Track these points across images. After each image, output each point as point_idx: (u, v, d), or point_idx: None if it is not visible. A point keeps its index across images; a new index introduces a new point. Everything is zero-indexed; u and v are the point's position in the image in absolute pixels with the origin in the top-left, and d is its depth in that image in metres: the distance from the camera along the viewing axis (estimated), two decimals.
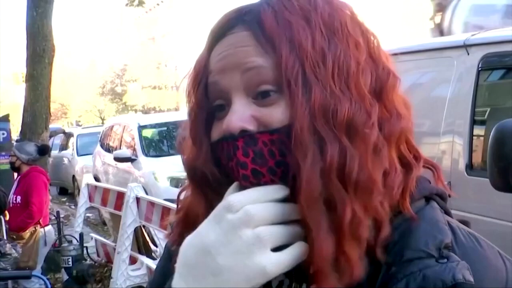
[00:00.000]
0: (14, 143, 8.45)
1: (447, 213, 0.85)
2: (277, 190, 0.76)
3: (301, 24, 0.79)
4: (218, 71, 0.81)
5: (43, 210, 5.84)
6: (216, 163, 0.82)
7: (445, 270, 0.73)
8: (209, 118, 0.84)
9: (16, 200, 5.83)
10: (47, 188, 5.97)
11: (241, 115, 0.78)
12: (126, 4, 13.71)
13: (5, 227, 5.95)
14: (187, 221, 0.85)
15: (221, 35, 0.83)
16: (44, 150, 6.24)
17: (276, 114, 0.77)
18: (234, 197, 0.74)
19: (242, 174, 0.77)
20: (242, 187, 0.78)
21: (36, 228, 5.81)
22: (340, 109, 0.75)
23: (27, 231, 5.77)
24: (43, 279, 4.58)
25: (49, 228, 6.06)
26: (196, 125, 0.85)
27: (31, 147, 6.10)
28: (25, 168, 5.93)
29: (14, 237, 5.89)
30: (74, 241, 6.24)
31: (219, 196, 0.79)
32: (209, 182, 0.83)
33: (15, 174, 9.23)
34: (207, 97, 0.84)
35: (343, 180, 0.74)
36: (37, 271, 5.70)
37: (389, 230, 0.77)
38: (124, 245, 5.54)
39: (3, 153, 9.13)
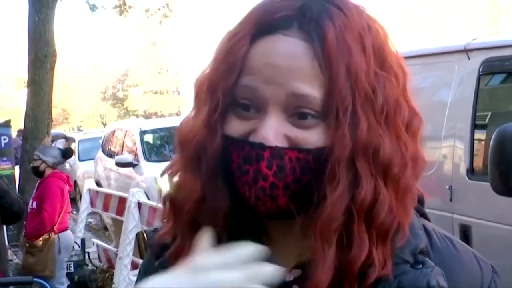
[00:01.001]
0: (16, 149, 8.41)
1: (423, 216, 0.84)
2: (247, 253, 0.67)
3: (358, 50, 0.74)
4: (262, 79, 0.75)
5: (56, 217, 5.65)
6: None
7: (419, 276, 0.74)
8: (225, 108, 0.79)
9: (32, 205, 5.72)
10: (64, 193, 5.79)
11: (276, 133, 0.74)
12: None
13: (7, 233, 5.90)
14: (177, 208, 0.81)
15: (272, 28, 0.76)
16: (68, 154, 6.21)
17: (312, 139, 0.74)
18: (201, 260, 0.68)
19: (261, 186, 0.74)
20: (252, 199, 0.75)
21: (50, 235, 5.63)
22: (382, 148, 0.73)
23: (40, 239, 5.60)
24: (44, 285, 4.57)
25: (65, 233, 5.86)
26: (215, 113, 0.78)
27: (55, 151, 6.08)
28: (49, 172, 5.78)
29: (28, 245, 5.71)
30: (76, 247, 6.24)
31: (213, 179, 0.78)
32: (214, 170, 0.78)
33: (17, 180, 9.27)
34: (233, 90, 0.77)
35: (368, 222, 0.72)
36: (61, 275, 5.68)
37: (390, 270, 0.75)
38: (126, 250, 5.54)
39: (4, 158, 9.12)
